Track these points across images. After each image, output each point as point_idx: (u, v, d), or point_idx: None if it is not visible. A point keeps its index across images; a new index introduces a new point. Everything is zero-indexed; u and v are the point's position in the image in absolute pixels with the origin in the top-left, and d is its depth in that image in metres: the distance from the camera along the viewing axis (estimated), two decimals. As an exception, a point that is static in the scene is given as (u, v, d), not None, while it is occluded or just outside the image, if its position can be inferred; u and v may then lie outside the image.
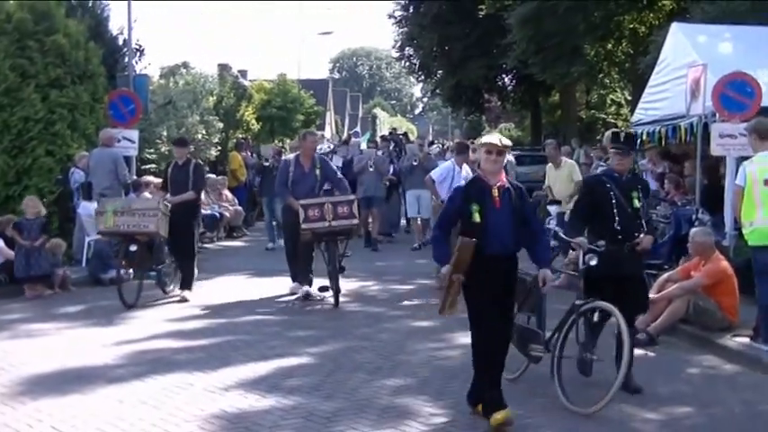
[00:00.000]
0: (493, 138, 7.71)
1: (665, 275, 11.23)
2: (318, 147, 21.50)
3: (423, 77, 52.95)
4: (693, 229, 11.66)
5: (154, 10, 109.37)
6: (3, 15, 17.15)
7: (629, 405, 8.00)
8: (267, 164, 20.81)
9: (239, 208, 22.82)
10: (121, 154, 16.52)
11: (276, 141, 29.09)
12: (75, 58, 17.30)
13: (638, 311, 9.01)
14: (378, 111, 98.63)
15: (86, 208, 15.69)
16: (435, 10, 42.79)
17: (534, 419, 7.61)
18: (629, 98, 39.27)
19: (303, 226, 12.63)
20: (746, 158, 10.66)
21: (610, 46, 35.11)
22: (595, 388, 8.07)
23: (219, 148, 26.74)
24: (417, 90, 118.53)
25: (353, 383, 8.71)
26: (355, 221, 13.28)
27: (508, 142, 7.86)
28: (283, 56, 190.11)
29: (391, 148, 27.19)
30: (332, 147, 31.83)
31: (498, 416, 7.25)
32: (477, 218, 7.41)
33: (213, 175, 23.73)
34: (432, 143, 35.76)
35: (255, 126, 33.30)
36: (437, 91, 52.14)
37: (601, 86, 42.76)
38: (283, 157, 16.99)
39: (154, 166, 22.47)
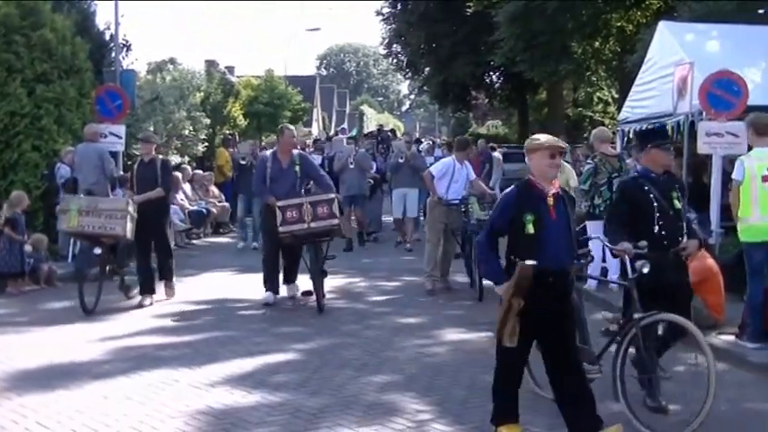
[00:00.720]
0: (554, 139, 7.01)
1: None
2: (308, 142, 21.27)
3: (410, 74, 52.90)
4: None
5: (141, 5, 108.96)
6: (-11, 10, 17.09)
7: (614, 402, 7.98)
8: (244, 162, 19.95)
9: (226, 204, 22.75)
10: (108, 149, 16.46)
11: (261, 138, 28.72)
12: (61, 53, 17.25)
13: None
14: (365, 107, 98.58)
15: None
16: (423, 7, 42.80)
17: (523, 416, 7.61)
18: (616, 96, 39.33)
19: (281, 229, 12.01)
20: (736, 156, 10.70)
21: (597, 44, 35.16)
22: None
23: (206, 144, 26.71)
24: (405, 87, 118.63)
25: (340, 380, 8.71)
26: (336, 221, 12.37)
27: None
28: (271, 52, 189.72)
29: (375, 145, 27.12)
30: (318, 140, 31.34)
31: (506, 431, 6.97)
32: (531, 229, 6.62)
33: (200, 171, 23.73)
34: (419, 140, 35.64)
35: (242, 122, 33.26)
36: (424, 88, 52.17)
37: (588, 84, 42.83)
38: (261, 153, 16.13)
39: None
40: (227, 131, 29.62)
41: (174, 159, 24.31)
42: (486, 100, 52.26)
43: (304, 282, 13.01)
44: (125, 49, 22.36)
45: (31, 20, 17.08)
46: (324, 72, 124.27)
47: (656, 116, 16.11)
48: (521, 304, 6.55)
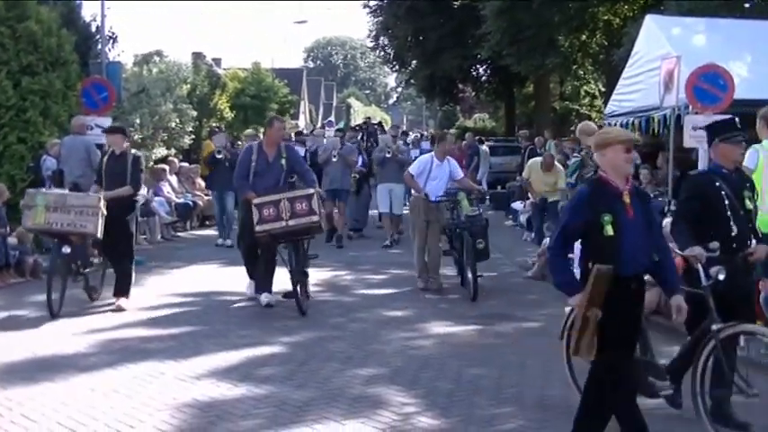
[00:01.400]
0: (627, 132, 6.52)
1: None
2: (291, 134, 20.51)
3: (397, 67, 52.95)
4: (666, 220, 11.70)
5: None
6: (-27, 2, 17.00)
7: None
8: (220, 156, 18.56)
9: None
10: (94, 142, 16.40)
11: (250, 131, 28.50)
12: (47, 45, 17.16)
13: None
14: (352, 100, 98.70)
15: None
16: (410, 0, 42.76)
17: (505, 409, 7.62)
18: (603, 90, 39.42)
19: (257, 228, 11.36)
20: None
21: (584, 38, 35.25)
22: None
23: (193, 136, 26.66)
24: (392, 80, 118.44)
25: (326, 373, 8.71)
26: (315, 218, 11.47)
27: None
28: (258, 45, 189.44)
29: (359, 138, 26.92)
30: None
31: None
32: (610, 230, 6.07)
33: (186, 164, 23.69)
34: (406, 133, 35.63)
35: (229, 115, 33.21)
36: (411, 81, 52.19)
37: (575, 78, 42.94)
38: (246, 145, 14.94)
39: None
40: (214, 124, 29.57)
41: (161, 152, 24.28)
42: (473, 93, 52.35)
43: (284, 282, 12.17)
44: (111, 41, 22.29)
45: (17, 12, 16.98)
46: (311, 65, 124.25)
47: (642, 110, 16.18)
48: (598, 315, 6.07)
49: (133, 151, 12.43)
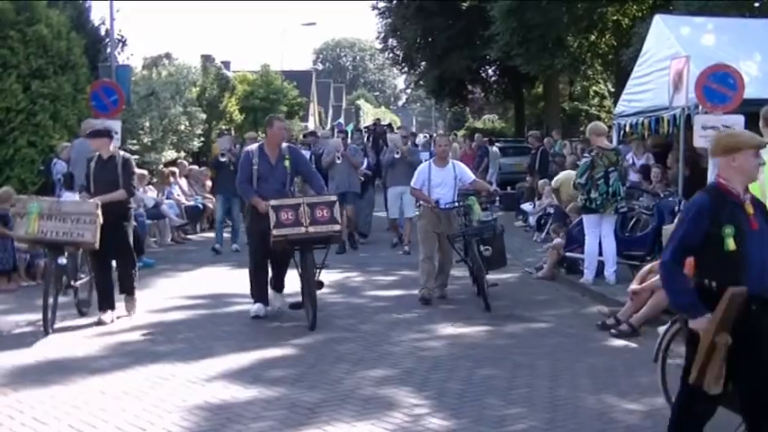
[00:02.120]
0: (753, 134, 5.99)
1: (648, 266, 11.22)
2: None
3: (406, 69, 52.95)
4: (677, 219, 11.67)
5: (136, 0, 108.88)
6: (-17, 6, 17.06)
7: (610, 396, 8.02)
8: (223, 159, 18.03)
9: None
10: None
11: (251, 133, 27.88)
12: (56, 49, 17.23)
13: None
14: (361, 102, 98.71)
15: (65, 195, 15.58)
16: (419, 1, 42.83)
17: (515, 410, 7.62)
18: (613, 90, 39.45)
19: (275, 232, 10.63)
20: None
21: (593, 38, 35.26)
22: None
23: (202, 139, 26.70)
24: (401, 81, 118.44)
25: (336, 374, 8.70)
26: (337, 227, 10.92)
27: None
28: (267, 47, 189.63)
29: (366, 139, 26.68)
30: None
31: None
32: (732, 245, 5.48)
33: (196, 167, 23.73)
34: (415, 134, 35.58)
35: (239, 117, 33.26)
36: (420, 82, 52.24)
37: (584, 78, 42.94)
38: (245, 148, 13.86)
39: (137, 157, 22.38)
40: (224, 126, 29.61)
41: (170, 155, 24.31)
42: (483, 94, 52.40)
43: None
44: (120, 44, 22.33)
45: (26, 15, 17.06)
46: (320, 67, 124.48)
47: (652, 110, 16.16)
48: (729, 342, 5.47)
49: (122, 153, 11.57)
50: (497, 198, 12.93)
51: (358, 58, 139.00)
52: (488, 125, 58.34)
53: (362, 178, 19.17)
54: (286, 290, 12.02)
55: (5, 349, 9.66)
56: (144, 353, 9.59)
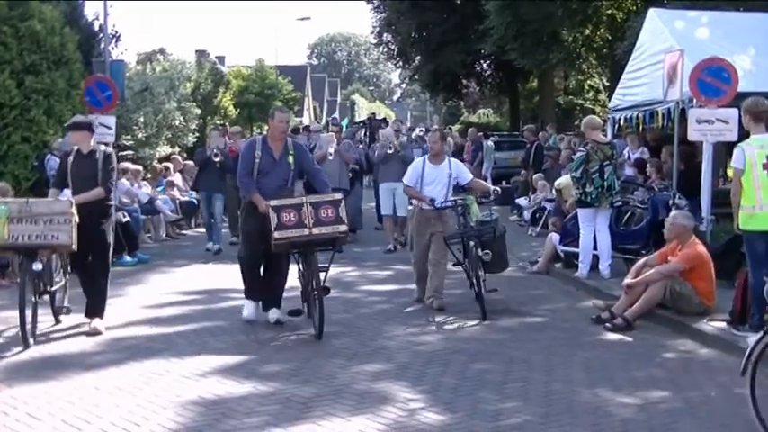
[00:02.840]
0: None
1: (643, 260, 11.25)
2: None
3: (401, 63, 52.86)
4: (675, 212, 11.70)
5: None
6: (-24, 1, 17.01)
7: (604, 389, 8.02)
8: (217, 159, 17.11)
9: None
10: (98, 141, 16.39)
11: (236, 128, 27.22)
12: (50, 44, 17.18)
13: None
14: (356, 97, 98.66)
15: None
16: (413, -4, 42.78)
17: (510, 404, 7.62)
18: (607, 84, 39.45)
19: (276, 235, 9.85)
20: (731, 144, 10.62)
21: (588, 32, 35.22)
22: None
23: (197, 134, 26.69)
24: (396, 76, 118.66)
25: (331, 369, 8.70)
26: (343, 228, 10.13)
27: None
28: (261, 42, 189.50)
29: (363, 134, 26.45)
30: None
31: None
32: None
33: (191, 162, 23.70)
34: (411, 129, 35.52)
35: (233, 112, 33.27)
36: (415, 77, 52.15)
37: (579, 72, 42.90)
38: (245, 141, 13.28)
39: (131, 152, 22.41)
40: (218, 122, 29.61)
41: (165, 150, 24.30)
42: (477, 88, 52.36)
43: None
44: (114, 39, 22.35)
45: (19, 11, 17.01)
46: (315, 62, 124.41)
47: (646, 103, 16.16)
48: None
49: (103, 148, 10.74)
50: (495, 195, 12.20)
51: (353, 52, 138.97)
52: (483, 120, 58.35)
53: (350, 174, 18.54)
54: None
55: (-1, 345, 9.65)
56: (138, 348, 9.58)
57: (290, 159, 10.70)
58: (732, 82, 13.33)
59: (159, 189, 20.45)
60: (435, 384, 8.16)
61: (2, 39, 16.70)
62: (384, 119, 40.45)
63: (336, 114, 70.97)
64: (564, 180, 17.53)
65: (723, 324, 10.02)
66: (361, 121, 38.04)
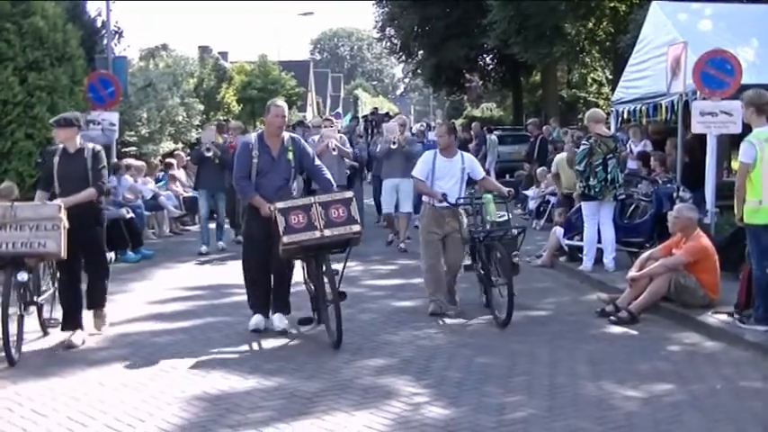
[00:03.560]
0: None
1: (647, 253, 11.24)
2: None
3: (404, 58, 52.78)
4: (679, 205, 11.67)
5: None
6: (-22, -2, 16.99)
7: (609, 383, 8.01)
8: (209, 154, 16.56)
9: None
10: (97, 137, 16.37)
11: (236, 123, 26.71)
12: (53, 41, 17.15)
13: None
14: (359, 92, 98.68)
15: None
16: (415, -10, 42.74)
17: (515, 398, 7.61)
18: (611, 77, 39.43)
19: (285, 239, 9.17)
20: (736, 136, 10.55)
21: (591, 25, 35.20)
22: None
23: (200, 130, 26.68)
24: (398, 71, 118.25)
25: (335, 364, 8.70)
26: (356, 228, 9.46)
27: None
28: (264, 37, 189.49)
29: (365, 129, 26.27)
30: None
31: None
32: None
33: (193, 159, 23.73)
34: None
35: (236, 108, 33.28)
36: (418, 71, 52.07)
37: (582, 66, 42.91)
38: (242, 139, 12.71)
39: (134, 148, 22.42)
40: (221, 117, 29.62)
41: (168, 146, 24.30)
42: (480, 82, 52.31)
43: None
44: (117, 35, 22.35)
45: (22, 7, 16.98)
46: (318, 57, 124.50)
47: (650, 96, 16.12)
48: None
49: (91, 146, 9.97)
50: (512, 196, 11.30)
51: (356, 47, 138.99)
52: (486, 114, 58.33)
53: (348, 171, 17.72)
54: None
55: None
56: (142, 344, 9.60)
57: (290, 156, 10.08)
58: (735, 74, 13.30)
59: (159, 185, 20.44)
60: (440, 379, 8.16)
61: (5, 36, 16.67)
62: (387, 113, 40.36)
63: (340, 109, 70.95)
64: (557, 159, 17.55)
65: (728, 316, 10.01)
66: (365, 116, 38.00)
